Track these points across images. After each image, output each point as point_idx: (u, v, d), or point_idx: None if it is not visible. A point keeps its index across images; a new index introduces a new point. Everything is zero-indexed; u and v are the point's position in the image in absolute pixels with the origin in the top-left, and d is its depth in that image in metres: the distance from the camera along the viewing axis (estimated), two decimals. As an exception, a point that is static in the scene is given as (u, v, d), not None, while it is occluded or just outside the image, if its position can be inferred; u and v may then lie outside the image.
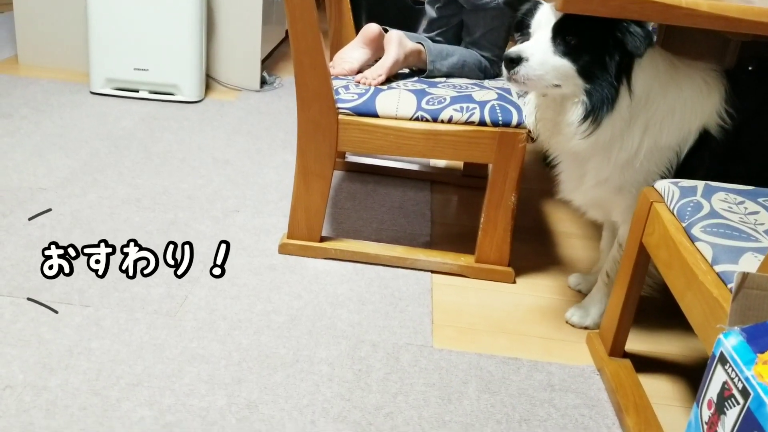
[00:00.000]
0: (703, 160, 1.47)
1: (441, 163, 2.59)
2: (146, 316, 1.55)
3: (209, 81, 3.22)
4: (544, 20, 1.44)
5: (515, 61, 1.41)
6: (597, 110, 1.41)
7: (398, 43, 1.90)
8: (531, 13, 1.50)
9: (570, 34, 1.40)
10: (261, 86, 3.30)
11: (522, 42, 1.50)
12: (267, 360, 1.45)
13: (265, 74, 3.36)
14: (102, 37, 2.94)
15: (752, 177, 1.45)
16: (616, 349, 1.53)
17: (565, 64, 1.41)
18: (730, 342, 0.88)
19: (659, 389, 1.49)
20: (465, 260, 1.85)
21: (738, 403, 0.83)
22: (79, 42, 3.15)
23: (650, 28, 1.39)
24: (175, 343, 1.47)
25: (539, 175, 2.63)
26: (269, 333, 1.53)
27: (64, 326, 1.48)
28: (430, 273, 1.84)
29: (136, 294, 1.62)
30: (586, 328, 1.68)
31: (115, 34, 2.93)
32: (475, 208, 2.25)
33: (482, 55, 2.05)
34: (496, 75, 2.07)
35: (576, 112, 1.44)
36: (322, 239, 1.87)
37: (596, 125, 1.42)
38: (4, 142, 2.39)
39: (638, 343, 1.64)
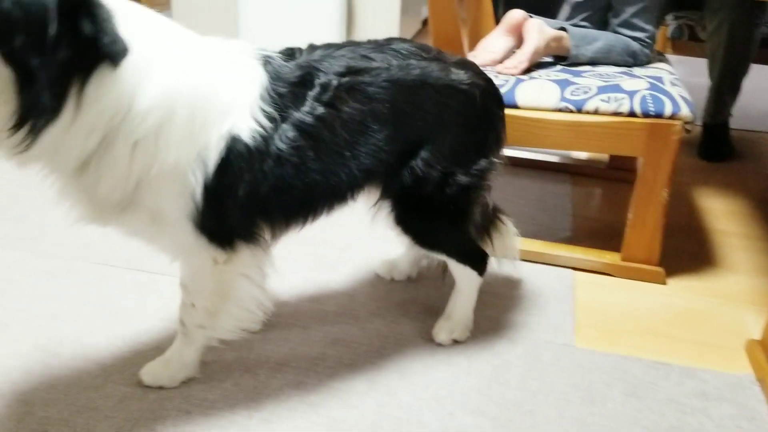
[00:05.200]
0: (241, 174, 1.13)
1: (583, 154, 2.50)
2: (291, 299, 1.62)
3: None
4: None
5: None
6: (31, 115, 0.96)
7: (538, 29, 1.84)
8: None
9: None
10: (399, 78, 3.33)
11: None
12: (404, 348, 1.47)
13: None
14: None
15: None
16: (781, 360, 1.41)
17: None
18: None
19: (831, 406, 1.36)
20: (610, 258, 1.77)
21: None
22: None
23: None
24: (318, 327, 1.52)
25: (694, 168, 2.47)
26: (407, 322, 1.55)
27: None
28: (571, 270, 1.78)
29: (279, 279, 1.69)
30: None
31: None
32: (620, 203, 2.15)
33: (633, 37, 1.94)
34: (648, 60, 1.96)
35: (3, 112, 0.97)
36: (460, 231, 1.86)
37: (33, 136, 0.98)
38: None
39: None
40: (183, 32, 1.12)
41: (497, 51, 1.92)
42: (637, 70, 1.87)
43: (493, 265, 1.57)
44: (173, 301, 1.57)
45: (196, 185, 1.10)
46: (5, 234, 1.84)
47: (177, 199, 1.12)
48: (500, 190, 2.22)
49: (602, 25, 2.03)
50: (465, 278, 1.47)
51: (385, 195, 1.32)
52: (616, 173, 2.30)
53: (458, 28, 1.67)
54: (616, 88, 1.70)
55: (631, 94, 1.67)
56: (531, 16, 1.90)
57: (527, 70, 1.83)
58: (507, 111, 1.70)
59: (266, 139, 1.12)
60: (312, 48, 1.24)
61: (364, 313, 1.58)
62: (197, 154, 1.09)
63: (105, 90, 1.00)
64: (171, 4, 3.57)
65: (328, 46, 1.24)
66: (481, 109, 1.32)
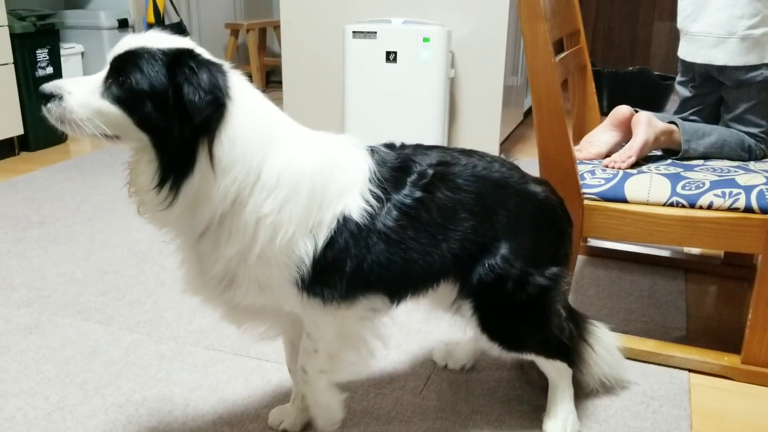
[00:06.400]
0: (348, 250, 1.21)
1: (696, 249, 2.39)
2: (393, 392, 1.61)
3: (450, 164, 3.36)
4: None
5: (47, 97, 1.12)
6: (170, 172, 1.10)
7: (647, 123, 1.83)
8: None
9: (124, 74, 1.09)
10: (499, 168, 3.36)
11: None
12: (510, 450, 1.42)
13: (503, 156, 3.43)
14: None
15: None
16: None
17: (114, 112, 1.10)
18: None
19: None
20: (729, 360, 1.66)
21: None
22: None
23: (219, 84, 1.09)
24: (420, 422, 1.50)
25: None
26: (510, 420, 1.50)
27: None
28: (687, 372, 1.68)
29: (383, 369, 1.69)
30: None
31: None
32: (738, 301, 2.03)
33: (747, 132, 1.88)
34: (764, 155, 1.89)
35: (149, 172, 1.12)
36: (565, 327, 1.81)
37: (174, 192, 1.11)
38: None
39: None
40: (296, 124, 1.24)
41: (603, 145, 1.91)
42: (753, 165, 1.81)
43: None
44: (279, 389, 1.60)
45: (305, 258, 1.18)
46: (123, 317, 1.95)
47: (283, 269, 1.19)
48: (608, 284, 2.15)
49: (713, 119, 1.99)
50: (557, 373, 1.46)
51: (463, 293, 1.33)
52: (732, 270, 2.19)
53: (563, 126, 1.68)
54: (731, 183, 1.65)
55: (748, 189, 1.61)
56: (637, 111, 1.89)
57: (636, 164, 1.81)
58: (615, 205, 1.69)
59: (373, 218, 1.21)
60: (403, 146, 1.34)
61: (467, 409, 1.55)
62: (310, 230, 1.18)
63: (233, 151, 1.11)
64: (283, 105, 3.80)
65: (418, 146, 1.34)
66: (557, 221, 1.38)
